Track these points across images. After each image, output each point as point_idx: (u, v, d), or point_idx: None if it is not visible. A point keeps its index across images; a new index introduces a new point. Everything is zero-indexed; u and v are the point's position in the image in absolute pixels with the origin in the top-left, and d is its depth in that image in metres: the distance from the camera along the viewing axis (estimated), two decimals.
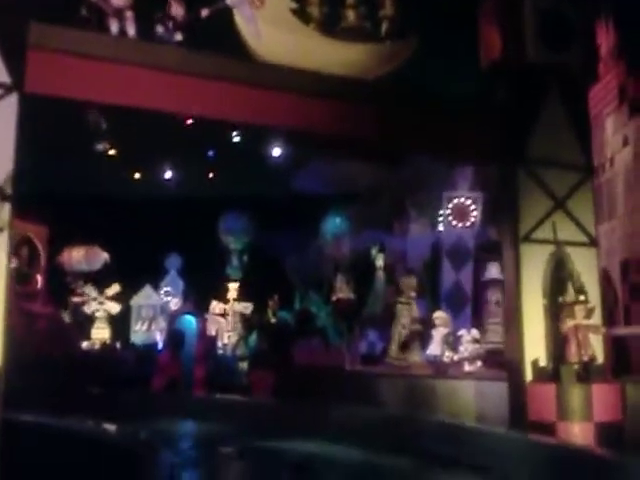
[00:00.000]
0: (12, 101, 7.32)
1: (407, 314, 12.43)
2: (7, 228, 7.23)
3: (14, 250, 21.35)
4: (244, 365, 16.29)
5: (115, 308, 22.72)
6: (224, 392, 13.88)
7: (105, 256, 22.23)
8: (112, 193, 22.80)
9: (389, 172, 14.98)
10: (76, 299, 22.50)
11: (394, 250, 14.81)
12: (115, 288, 22.72)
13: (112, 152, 20.86)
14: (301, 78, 8.59)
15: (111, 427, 9.40)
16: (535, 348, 8.66)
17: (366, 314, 15.36)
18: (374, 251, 15.80)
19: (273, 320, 18.64)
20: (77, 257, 22.30)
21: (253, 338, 17.76)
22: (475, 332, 10.94)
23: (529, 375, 8.66)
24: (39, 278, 21.64)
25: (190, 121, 19.83)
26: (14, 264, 21.32)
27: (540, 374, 8.50)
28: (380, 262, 14.22)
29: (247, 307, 20.87)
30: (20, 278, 21.25)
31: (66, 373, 15.97)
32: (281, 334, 16.77)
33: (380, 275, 15.78)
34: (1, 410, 7.04)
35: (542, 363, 8.58)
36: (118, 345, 22.91)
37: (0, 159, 7.23)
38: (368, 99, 8.98)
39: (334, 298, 16.88)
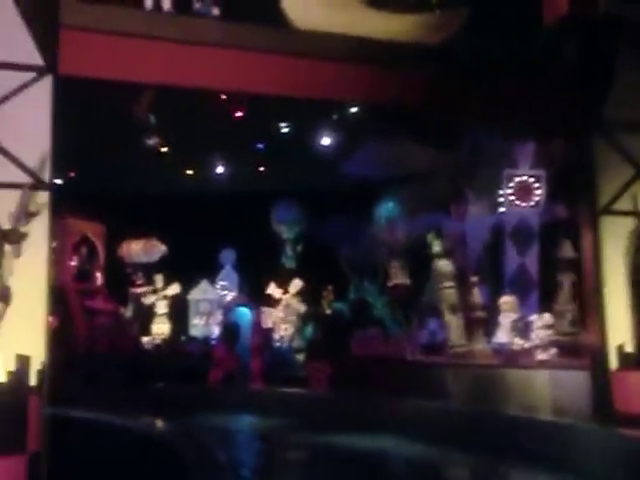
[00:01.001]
0: (46, 84, 6.71)
1: (457, 300, 11.62)
2: (46, 213, 6.60)
3: (74, 249, 21.41)
4: (301, 357, 15.69)
5: (174, 301, 22.66)
6: (281, 385, 13.35)
7: (163, 248, 22.24)
8: (165, 189, 22.51)
9: (445, 151, 14.04)
10: (136, 290, 22.60)
11: (451, 234, 13.84)
12: (175, 288, 22.64)
13: (164, 149, 20.62)
14: (348, 47, 7.74)
15: (166, 424, 8.88)
16: (619, 333, 7.68)
17: (425, 302, 14.47)
18: (430, 237, 14.83)
19: (328, 311, 18.03)
20: (136, 249, 22.41)
21: (309, 330, 17.15)
22: (548, 317, 9.92)
23: (613, 362, 7.67)
24: (99, 275, 21.55)
25: (239, 114, 19.45)
26: (74, 262, 21.31)
27: (626, 361, 7.53)
28: (437, 248, 13.27)
29: (301, 304, 20.26)
30: (81, 276, 21.18)
31: (126, 368, 15.66)
32: (337, 325, 16.16)
33: (438, 262, 14.86)
34: (46, 405, 6.44)
35: (628, 349, 7.60)
36: (178, 340, 22.79)
37: (36, 145, 6.62)
38: (422, 67, 8.10)
39: (390, 284, 16.06)
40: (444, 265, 12.24)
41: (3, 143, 6.49)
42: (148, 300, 22.54)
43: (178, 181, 22.32)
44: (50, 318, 17.72)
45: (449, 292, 11.92)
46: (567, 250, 10.03)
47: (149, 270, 22.67)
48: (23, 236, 6.29)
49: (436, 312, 12.74)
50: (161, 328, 23.03)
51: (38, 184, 6.59)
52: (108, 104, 13.82)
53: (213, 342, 18.92)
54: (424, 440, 8.69)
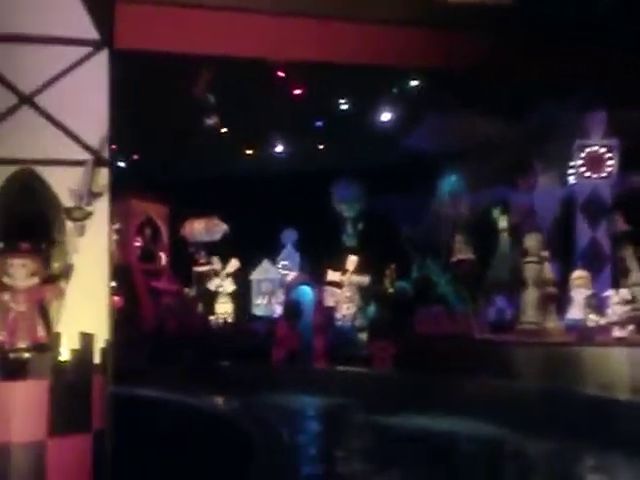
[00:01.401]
0: (102, 59, 6.59)
1: (539, 275, 10.98)
2: (107, 193, 6.49)
3: (138, 231, 21.71)
4: (363, 336, 15.45)
5: (231, 287, 22.77)
6: (344, 363, 13.15)
7: (225, 227, 22.40)
8: (226, 169, 22.52)
9: (512, 122, 13.46)
10: (199, 269, 22.84)
11: (519, 208, 13.31)
12: (235, 264, 22.77)
13: (224, 130, 20.58)
14: (411, 10, 7.35)
15: (229, 402, 8.79)
16: None
17: (491, 278, 14.01)
18: (496, 212, 14.31)
19: (391, 290, 17.72)
20: (198, 228, 22.68)
21: (371, 309, 16.89)
22: (625, 292, 9.38)
23: None
24: (163, 256, 21.79)
25: (298, 92, 19.19)
26: (139, 243, 21.61)
27: None
28: (504, 223, 12.79)
29: (364, 277, 20.02)
30: (145, 256, 21.46)
31: (190, 348, 15.76)
32: (400, 304, 15.83)
33: (504, 237, 14.36)
34: (110, 384, 6.38)
35: None
36: (241, 319, 22.92)
37: (94, 122, 6.52)
38: (489, 32, 7.66)
39: (454, 259, 15.60)
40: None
41: (62, 119, 6.41)
42: (211, 279, 22.78)
43: (238, 161, 22.31)
44: (116, 298, 18.06)
45: (533, 266, 11.22)
46: None
47: (211, 249, 22.96)
48: (87, 214, 6.20)
49: (503, 289, 12.30)
50: (224, 307, 23.22)
51: (98, 161, 6.49)
52: (167, 82, 13.76)
53: (275, 321, 18.91)
54: (493, 422, 8.33)
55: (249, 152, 22.70)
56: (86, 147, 6.48)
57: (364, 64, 8.08)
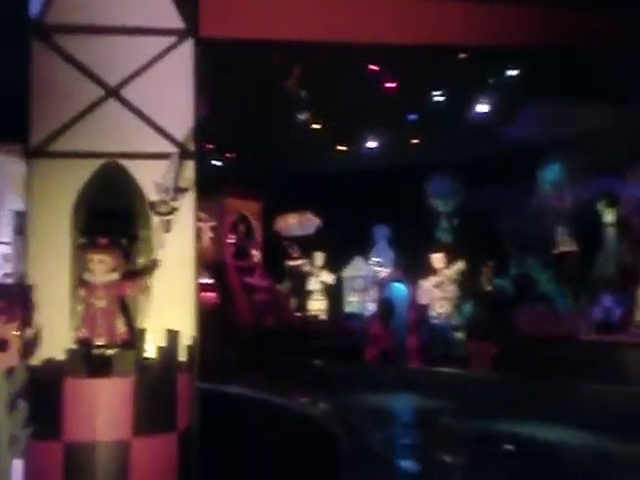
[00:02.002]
0: (187, 49, 6.39)
1: None
2: (193, 187, 6.29)
3: (232, 228, 21.90)
4: (460, 335, 14.84)
5: (330, 277, 22.78)
6: (440, 364, 12.61)
7: (318, 221, 22.37)
8: (318, 165, 22.34)
9: (621, 107, 12.49)
10: (292, 263, 22.91)
11: (628, 200, 12.33)
12: (325, 262, 22.70)
13: (316, 126, 20.39)
14: None
15: (319, 402, 8.46)
16: None
17: (597, 276, 13.09)
18: (601, 205, 13.36)
19: (489, 287, 16.99)
20: (292, 223, 22.73)
21: (468, 307, 16.21)
22: None
23: None
24: (256, 253, 21.88)
25: (391, 85, 18.73)
26: (233, 240, 21.79)
27: None
28: (610, 217, 11.87)
29: (460, 274, 19.35)
30: (239, 254, 21.61)
31: (281, 345, 15.63)
32: (499, 302, 15.11)
33: (611, 231, 13.38)
34: (197, 382, 6.19)
35: None
36: (332, 317, 22.77)
37: (179, 114, 6.34)
38: (593, 6, 6.99)
39: (556, 252, 14.71)
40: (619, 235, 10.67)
41: (147, 112, 6.26)
42: (303, 274, 22.79)
43: (331, 156, 22.10)
44: (211, 294, 18.18)
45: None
46: None
47: (304, 243, 22.99)
48: (172, 209, 6.01)
49: (610, 287, 11.44)
50: (316, 305, 23.15)
51: (183, 154, 6.30)
52: (256, 75, 13.60)
53: (368, 319, 18.55)
54: (602, 430, 7.62)
55: (341, 148, 22.46)
56: (172, 140, 6.30)
57: (463, 46, 7.55)
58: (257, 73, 14.54)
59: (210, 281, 19.89)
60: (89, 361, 5.59)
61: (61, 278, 6.02)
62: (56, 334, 5.91)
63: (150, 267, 6.08)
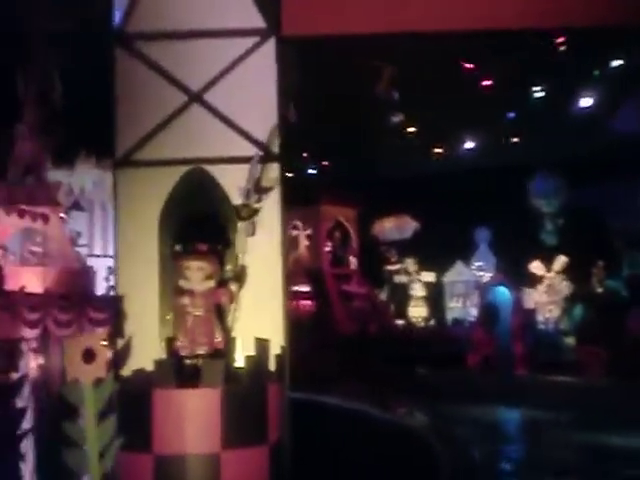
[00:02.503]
0: (269, 48, 6.19)
1: None
2: (278, 189, 6.07)
3: (329, 235, 21.75)
4: (569, 340, 14.00)
5: (430, 283, 22.31)
6: (548, 371, 11.89)
7: (415, 224, 22.01)
8: (414, 168, 21.93)
9: None
10: (390, 268, 22.60)
11: None
12: (420, 262, 22.27)
13: (411, 129, 20.04)
14: None
15: (418, 413, 8.04)
16: None
17: None
18: None
19: (600, 290, 16.01)
20: (389, 226, 22.49)
21: (578, 310, 15.31)
22: None
23: None
24: (353, 260, 21.63)
25: (487, 83, 18.08)
26: (329, 248, 21.64)
27: None
28: None
29: (568, 277, 18.39)
30: (336, 261, 21.42)
31: (380, 353, 15.28)
32: (612, 305, 14.17)
33: None
34: (288, 392, 5.94)
35: None
36: (434, 323, 22.28)
37: (263, 116, 6.14)
38: None
39: None
40: None
41: (230, 115, 6.10)
42: (403, 280, 22.41)
43: (427, 159, 21.64)
44: (309, 302, 18.06)
45: None
46: None
47: (402, 248, 22.64)
48: (254, 212, 5.80)
49: None
50: (417, 311, 22.76)
51: (267, 155, 6.09)
52: (346, 77, 13.39)
53: (470, 325, 17.93)
54: None
55: (438, 150, 21.99)
56: (256, 142, 6.11)
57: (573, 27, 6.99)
58: (346, 75, 14.32)
59: (307, 289, 19.81)
60: (178, 371, 5.45)
61: (151, 287, 5.93)
62: (147, 344, 5.83)
63: (239, 274, 5.89)
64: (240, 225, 5.89)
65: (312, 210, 20.97)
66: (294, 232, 21.38)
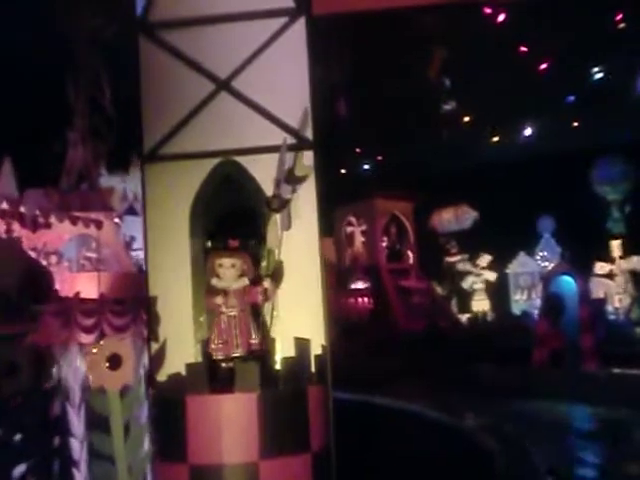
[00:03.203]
0: (300, 29, 5.78)
1: None
2: (313, 179, 5.65)
3: (384, 230, 21.26)
4: None
5: (492, 275, 21.76)
6: (621, 365, 11.12)
7: (474, 214, 21.48)
8: (471, 157, 21.29)
9: None
10: (450, 259, 22.07)
11: None
12: (486, 258, 21.68)
13: (465, 118, 19.42)
14: None
15: (477, 414, 7.50)
16: None
17: None
18: None
19: None
20: (447, 217, 22.05)
21: None
22: None
23: None
24: (410, 254, 21.11)
25: (544, 66, 17.25)
26: (385, 243, 21.15)
27: None
28: None
29: (638, 264, 17.42)
30: (392, 256, 20.95)
31: (442, 349, 14.74)
32: None
33: None
34: (331, 394, 5.52)
35: None
36: (497, 317, 21.63)
37: (295, 99, 5.72)
38: None
39: None
40: None
41: (260, 102, 5.71)
42: (464, 273, 21.88)
43: (484, 147, 20.99)
44: (366, 299, 17.64)
45: None
46: None
47: (462, 238, 22.13)
48: (285, 203, 5.39)
49: None
50: (480, 305, 22.19)
51: (300, 142, 5.67)
52: (395, 63, 12.88)
53: (536, 318, 17.19)
54: None
55: (495, 138, 21.32)
56: (288, 129, 5.71)
57: None
58: (396, 63, 13.79)
59: (364, 286, 19.40)
60: (211, 375, 5.11)
61: (183, 287, 5.60)
62: (181, 347, 5.51)
63: (276, 270, 5.51)
64: (274, 218, 5.50)
65: (367, 205, 20.57)
66: (349, 228, 21.00)
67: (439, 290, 21.13)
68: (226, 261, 5.15)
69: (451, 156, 21.29)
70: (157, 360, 5.52)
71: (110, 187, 13.85)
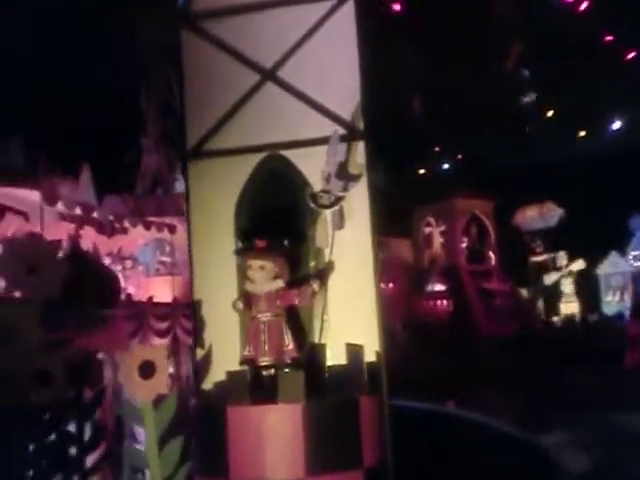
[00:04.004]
0: (348, 12, 5.34)
1: None
2: (365, 173, 5.19)
3: (464, 231, 20.46)
4: None
5: (581, 276, 20.64)
6: None
7: (560, 211, 20.41)
8: (555, 153, 20.23)
9: None
10: (536, 259, 21.09)
11: None
12: (574, 258, 20.56)
13: (549, 112, 18.48)
14: None
15: (556, 428, 6.80)
16: None
17: None
18: None
19: None
20: (531, 214, 21.05)
21: None
22: None
23: None
24: (492, 255, 20.26)
25: (631, 55, 16.12)
26: (465, 244, 20.36)
27: None
28: None
29: None
30: (473, 257, 20.14)
31: (527, 354, 13.92)
32: None
33: None
34: (387, 405, 5.03)
35: None
36: (587, 319, 20.42)
37: (345, 90, 5.29)
38: None
39: None
40: None
41: (308, 92, 5.30)
42: (551, 273, 20.82)
43: (569, 143, 19.92)
44: (445, 302, 16.97)
45: None
46: None
47: (548, 237, 21.10)
48: (337, 200, 4.94)
49: None
50: (569, 307, 21.07)
51: (352, 134, 5.22)
52: (470, 57, 12.24)
53: (627, 320, 16.06)
54: None
55: (581, 133, 20.22)
56: (337, 120, 5.27)
57: None
58: (471, 56, 13.13)
59: (442, 288, 18.67)
60: (253, 385, 4.72)
61: (229, 290, 5.25)
62: (228, 354, 5.15)
63: (322, 272, 5.08)
64: (323, 216, 5.06)
65: (446, 205, 19.88)
66: (427, 229, 20.32)
67: (523, 292, 20.15)
68: (254, 263, 4.75)
69: (534, 152, 20.32)
70: (202, 368, 5.20)
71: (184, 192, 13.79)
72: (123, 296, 12.51)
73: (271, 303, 4.73)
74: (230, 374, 4.70)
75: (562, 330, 19.05)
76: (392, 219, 19.86)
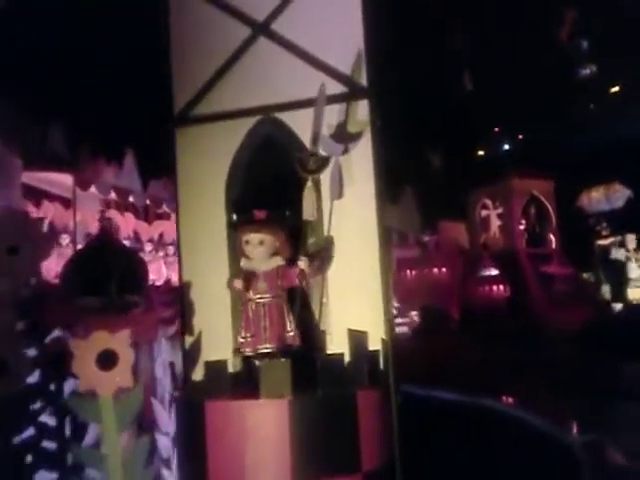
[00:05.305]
0: None
1: None
2: (369, 137, 4.46)
3: (523, 212, 19.30)
4: None
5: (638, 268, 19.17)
6: None
7: (628, 192, 18.98)
8: (621, 131, 18.82)
9: None
10: (602, 242, 19.74)
11: None
12: (631, 239, 19.11)
13: (614, 89, 17.16)
14: None
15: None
16: None
17: None
18: None
19: None
20: (597, 197, 19.72)
21: None
22: None
23: None
24: (552, 238, 19.07)
25: None
26: (524, 226, 19.20)
27: None
28: None
29: None
30: (532, 240, 19.02)
31: (586, 343, 12.84)
32: None
33: None
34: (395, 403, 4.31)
35: None
36: None
37: (345, 43, 4.58)
38: None
39: None
40: None
41: (304, 46, 4.61)
42: (619, 257, 19.43)
43: (635, 119, 18.46)
44: (501, 287, 15.88)
45: None
46: None
47: (615, 219, 19.71)
48: (323, 163, 4.24)
49: None
50: (636, 292, 19.62)
51: (354, 91, 4.51)
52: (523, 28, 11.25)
53: None
54: None
55: None
56: (339, 77, 4.56)
57: None
58: (524, 27, 12.13)
59: (498, 272, 17.60)
60: (240, 375, 4.10)
61: (220, 270, 4.62)
62: (218, 341, 4.55)
63: (324, 249, 4.39)
64: (309, 184, 4.32)
65: (503, 186, 18.77)
66: (484, 212, 19.26)
67: (586, 276, 18.88)
68: (253, 237, 4.08)
69: (599, 130, 18.96)
70: (192, 356, 4.61)
71: None
72: (161, 282, 12.09)
73: (271, 283, 4.06)
74: (208, 364, 4.09)
75: (630, 317, 17.71)
76: (447, 202, 18.86)
